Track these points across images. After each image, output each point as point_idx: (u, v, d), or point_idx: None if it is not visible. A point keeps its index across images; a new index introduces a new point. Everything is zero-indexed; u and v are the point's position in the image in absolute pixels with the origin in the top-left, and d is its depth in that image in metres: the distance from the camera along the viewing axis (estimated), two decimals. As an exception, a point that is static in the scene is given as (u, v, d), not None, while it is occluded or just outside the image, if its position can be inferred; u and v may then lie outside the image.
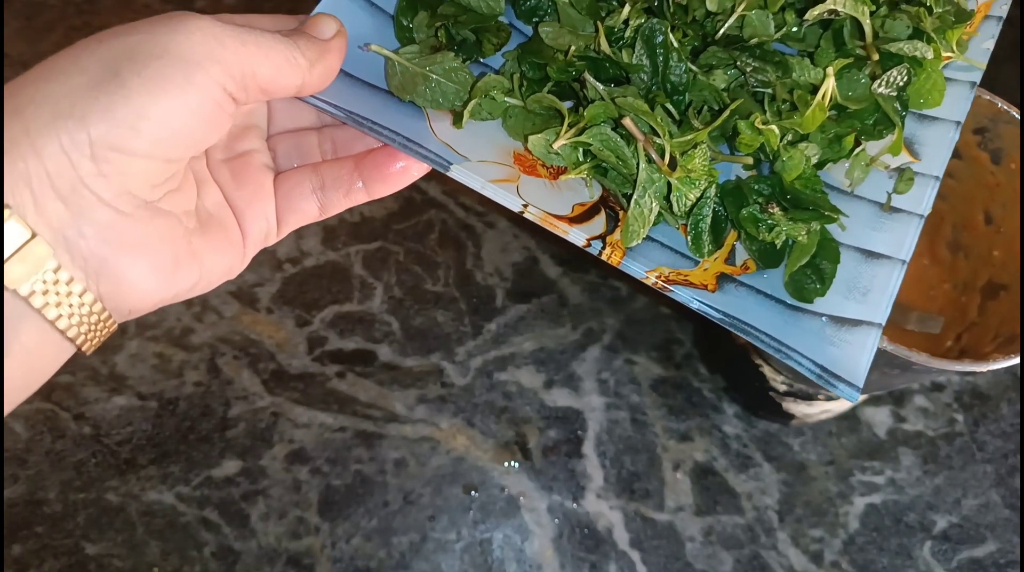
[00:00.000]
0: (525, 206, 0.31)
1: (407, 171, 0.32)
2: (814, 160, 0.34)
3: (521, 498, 0.54)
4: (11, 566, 0.51)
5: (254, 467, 0.54)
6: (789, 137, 0.33)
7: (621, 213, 0.33)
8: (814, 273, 0.33)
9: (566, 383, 0.57)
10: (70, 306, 0.25)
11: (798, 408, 0.53)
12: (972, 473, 0.55)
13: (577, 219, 0.32)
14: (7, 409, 0.25)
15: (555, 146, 0.33)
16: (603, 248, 0.32)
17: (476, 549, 0.53)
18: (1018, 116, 0.43)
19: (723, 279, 0.33)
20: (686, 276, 0.32)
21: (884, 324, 0.32)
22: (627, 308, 0.59)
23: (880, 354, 0.38)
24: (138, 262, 0.26)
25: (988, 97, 0.44)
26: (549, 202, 0.32)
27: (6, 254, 0.23)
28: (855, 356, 0.31)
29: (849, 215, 0.34)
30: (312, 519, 0.53)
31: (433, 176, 0.62)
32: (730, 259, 0.33)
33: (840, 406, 0.53)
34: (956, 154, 0.47)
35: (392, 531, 0.53)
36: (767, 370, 0.50)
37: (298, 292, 0.58)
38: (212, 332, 0.57)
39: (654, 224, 0.33)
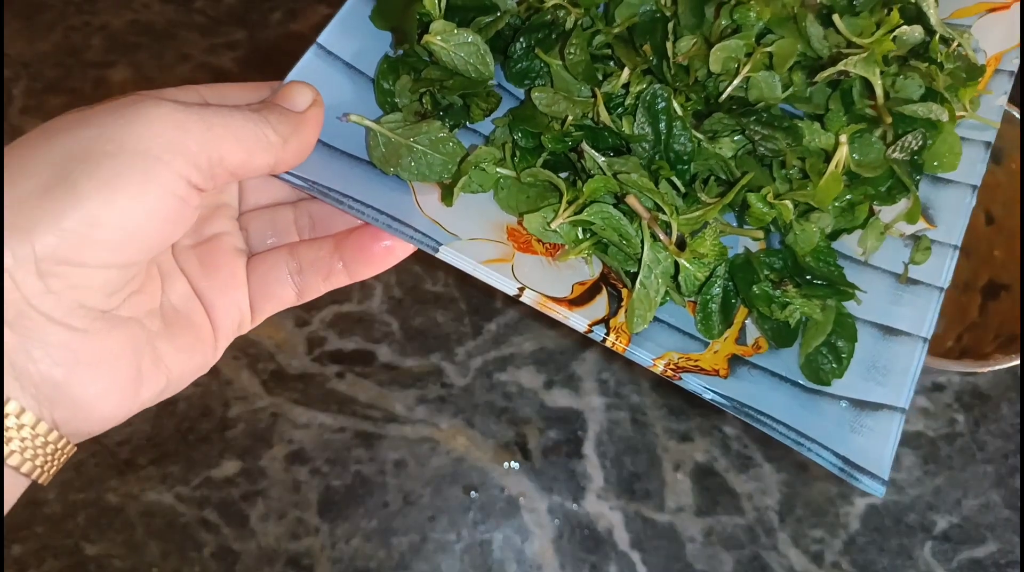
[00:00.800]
0: (521, 289, 0.30)
1: (392, 251, 0.30)
2: (827, 230, 0.32)
3: (521, 499, 0.54)
4: (11, 566, 0.51)
5: (253, 468, 0.54)
6: (801, 207, 0.32)
7: (624, 291, 0.31)
8: (831, 352, 0.31)
9: (566, 383, 0.57)
10: (22, 440, 0.23)
11: None
12: (972, 473, 0.55)
13: (577, 301, 0.30)
14: None
15: (553, 225, 0.31)
16: (607, 334, 0.30)
17: (476, 550, 0.53)
18: (1018, 116, 0.43)
19: (735, 362, 0.31)
20: (696, 361, 0.30)
21: (907, 408, 0.30)
22: (627, 308, 0.59)
23: None
24: (96, 381, 0.23)
25: None
26: (546, 282, 0.30)
27: None
28: (879, 445, 0.29)
29: (866, 290, 0.32)
30: (312, 520, 0.53)
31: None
32: (741, 338, 0.32)
33: None
34: None
35: (392, 532, 0.53)
36: None
37: (298, 292, 0.58)
38: (212, 332, 0.57)
39: (660, 304, 0.31)
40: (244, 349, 0.57)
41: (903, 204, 0.34)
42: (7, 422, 0.22)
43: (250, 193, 0.31)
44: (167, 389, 0.26)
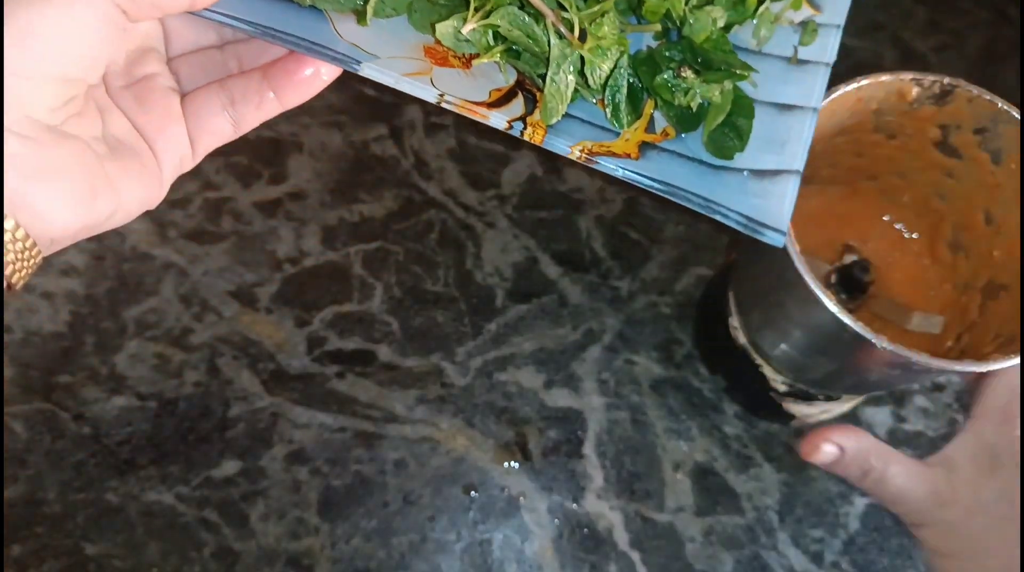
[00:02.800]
0: (441, 95, 0.31)
1: (317, 76, 0.32)
2: (721, 23, 0.34)
3: (521, 498, 0.54)
4: (11, 566, 0.51)
5: (253, 467, 0.54)
6: (694, 1, 0.34)
7: (538, 94, 0.33)
8: (732, 131, 0.34)
9: (566, 383, 0.57)
10: None
11: (798, 408, 0.53)
12: (972, 473, 0.56)
13: (495, 104, 0.32)
14: None
15: (464, 31, 0.32)
16: (524, 129, 0.32)
17: (476, 550, 0.53)
18: (1018, 116, 0.43)
19: (645, 147, 0.34)
20: (609, 147, 0.33)
21: (802, 171, 0.33)
22: (627, 308, 0.59)
23: (881, 353, 0.38)
24: (53, 188, 0.25)
25: (988, 97, 0.44)
26: (465, 90, 0.32)
27: None
28: (778, 203, 0.33)
29: (760, 71, 0.34)
30: (312, 519, 0.53)
31: (432, 176, 0.62)
32: (650, 128, 0.34)
33: (840, 407, 0.53)
34: (956, 154, 0.47)
35: (392, 531, 0.53)
36: (767, 370, 0.50)
37: (297, 292, 0.58)
38: (211, 332, 0.57)
39: (572, 101, 0.33)
40: (244, 349, 0.57)
41: None
42: None
43: (176, 40, 0.32)
44: (118, 214, 0.28)
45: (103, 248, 0.59)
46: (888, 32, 0.61)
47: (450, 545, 0.53)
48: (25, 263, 0.26)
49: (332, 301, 0.58)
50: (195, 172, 0.61)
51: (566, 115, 0.33)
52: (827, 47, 0.37)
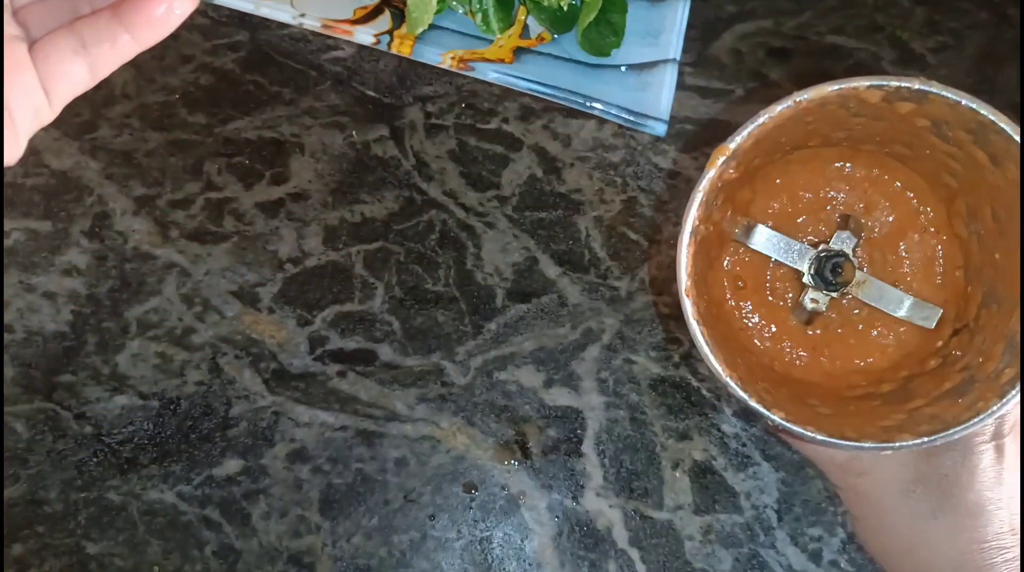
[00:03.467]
0: (302, 15, 0.31)
1: (170, 12, 0.30)
2: None
3: (521, 497, 0.54)
4: (11, 565, 0.51)
5: (255, 466, 0.54)
6: None
7: (406, 9, 0.33)
8: (606, 28, 0.34)
9: (566, 382, 0.57)
10: None
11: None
12: (970, 472, 0.56)
13: (360, 21, 0.32)
14: None
15: None
16: (391, 42, 0.32)
17: (476, 547, 0.53)
18: (1006, 127, 0.39)
19: (520, 52, 0.34)
20: (481, 54, 0.34)
21: (679, 59, 0.34)
22: (626, 308, 0.59)
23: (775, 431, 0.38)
24: None
25: (973, 105, 0.39)
26: (328, 9, 0.32)
27: None
28: (657, 94, 0.33)
29: None
30: (313, 518, 0.53)
31: (433, 177, 0.62)
32: (524, 34, 0.35)
33: None
34: (953, 143, 0.43)
35: (393, 529, 0.53)
36: None
37: (299, 292, 0.59)
38: (213, 332, 0.57)
39: (439, 11, 0.33)
40: (246, 348, 0.57)
41: None
42: None
43: None
44: None
45: (105, 248, 0.59)
46: (886, 32, 0.61)
47: (450, 543, 0.53)
48: None
49: (334, 301, 0.59)
50: (197, 173, 0.62)
51: (436, 26, 0.32)
52: None
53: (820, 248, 0.47)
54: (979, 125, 0.40)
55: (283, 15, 0.31)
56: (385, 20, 0.33)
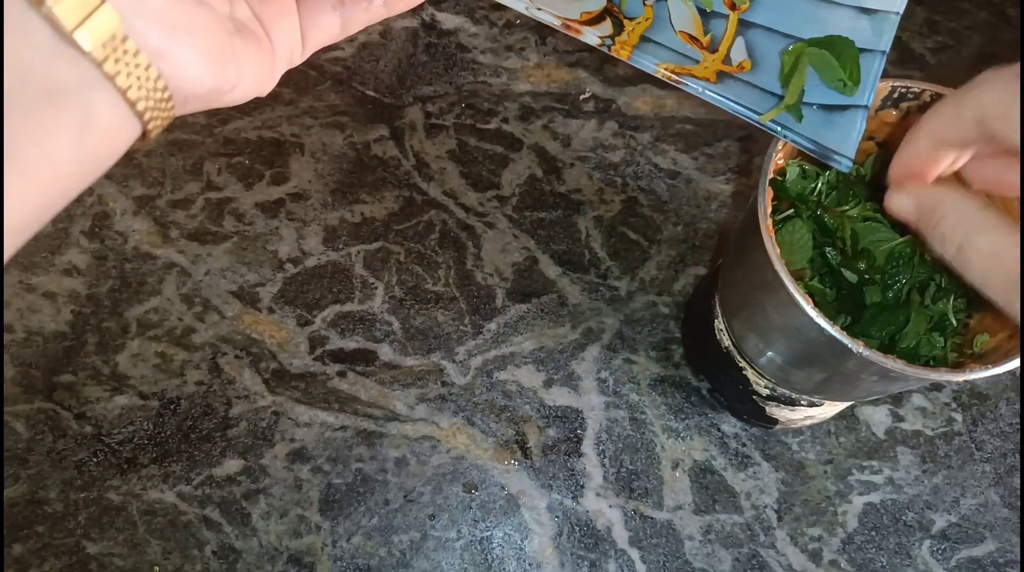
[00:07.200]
0: (539, 8, 0.35)
1: None
2: None
3: (521, 497, 0.54)
4: (12, 565, 0.51)
5: (255, 466, 0.54)
6: None
7: (625, 21, 0.37)
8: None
9: (565, 382, 0.57)
10: (138, 78, 0.25)
11: (781, 413, 0.52)
12: (971, 472, 0.56)
13: (587, 24, 0.36)
14: (75, 193, 0.25)
15: None
16: (612, 45, 0.35)
17: (476, 547, 0.53)
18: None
19: (722, 75, 0.37)
20: (689, 71, 0.36)
21: (869, 106, 0.36)
22: (626, 308, 0.59)
23: (858, 358, 0.38)
24: (190, 46, 0.26)
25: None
26: (558, 8, 0.36)
27: (80, 17, 0.23)
28: (847, 133, 0.36)
29: (832, 18, 0.37)
30: (313, 517, 0.53)
31: (433, 177, 0.62)
32: (727, 60, 0.38)
33: (824, 412, 0.52)
34: None
35: (393, 529, 0.53)
36: (750, 374, 0.50)
37: (299, 292, 0.59)
38: (213, 332, 0.57)
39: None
40: (246, 348, 0.57)
41: None
42: (127, 58, 0.24)
43: None
44: (237, 89, 0.29)
45: (105, 248, 0.59)
46: (886, 33, 0.61)
47: (450, 543, 0.53)
48: (161, 113, 0.27)
49: (333, 301, 0.59)
50: (196, 173, 0.62)
51: (648, 40, 0.36)
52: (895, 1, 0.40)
53: None
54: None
55: (517, 3, 0.34)
56: (607, 26, 0.37)
